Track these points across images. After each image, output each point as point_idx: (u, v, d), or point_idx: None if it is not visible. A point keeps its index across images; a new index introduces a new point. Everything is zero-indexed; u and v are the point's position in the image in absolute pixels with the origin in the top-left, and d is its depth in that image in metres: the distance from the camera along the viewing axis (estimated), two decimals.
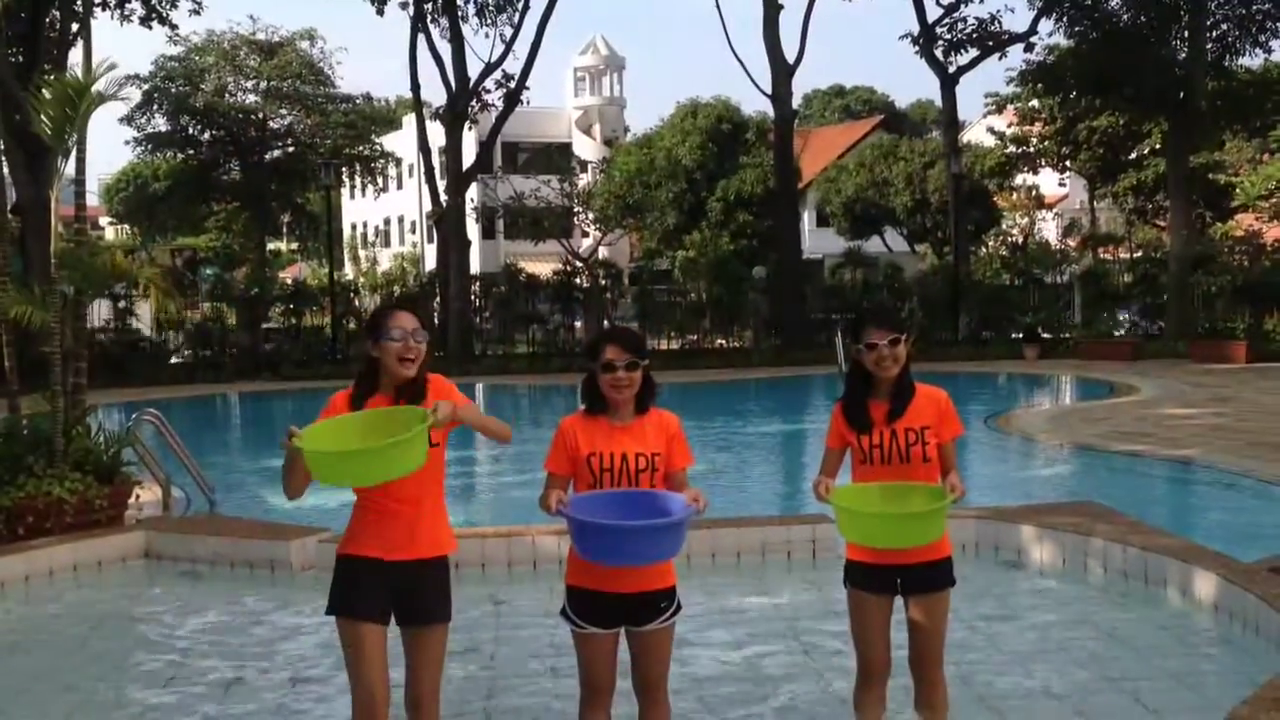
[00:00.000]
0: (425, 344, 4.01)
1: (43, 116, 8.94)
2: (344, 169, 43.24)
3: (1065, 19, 29.98)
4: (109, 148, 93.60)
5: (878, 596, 4.31)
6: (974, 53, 31.05)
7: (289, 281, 33.60)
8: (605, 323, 29.76)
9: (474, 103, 29.67)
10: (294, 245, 62.30)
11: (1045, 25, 30.98)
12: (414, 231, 59.34)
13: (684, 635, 5.98)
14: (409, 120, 43.39)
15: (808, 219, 48.27)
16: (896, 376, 4.29)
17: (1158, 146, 36.38)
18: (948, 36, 30.94)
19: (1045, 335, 28.56)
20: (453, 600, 4.12)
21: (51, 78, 10.28)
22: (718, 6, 35.23)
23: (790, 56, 28.86)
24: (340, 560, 4.06)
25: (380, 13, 29.98)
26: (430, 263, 41.76)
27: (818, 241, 47.90)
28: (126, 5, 28.01)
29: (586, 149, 52.27)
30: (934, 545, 4.23)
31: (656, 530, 3.84)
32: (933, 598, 4.30)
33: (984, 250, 38.36)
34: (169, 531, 8.38)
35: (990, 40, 30.92)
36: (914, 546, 4.14)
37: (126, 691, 5.79)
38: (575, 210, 39.43)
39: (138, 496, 9.57)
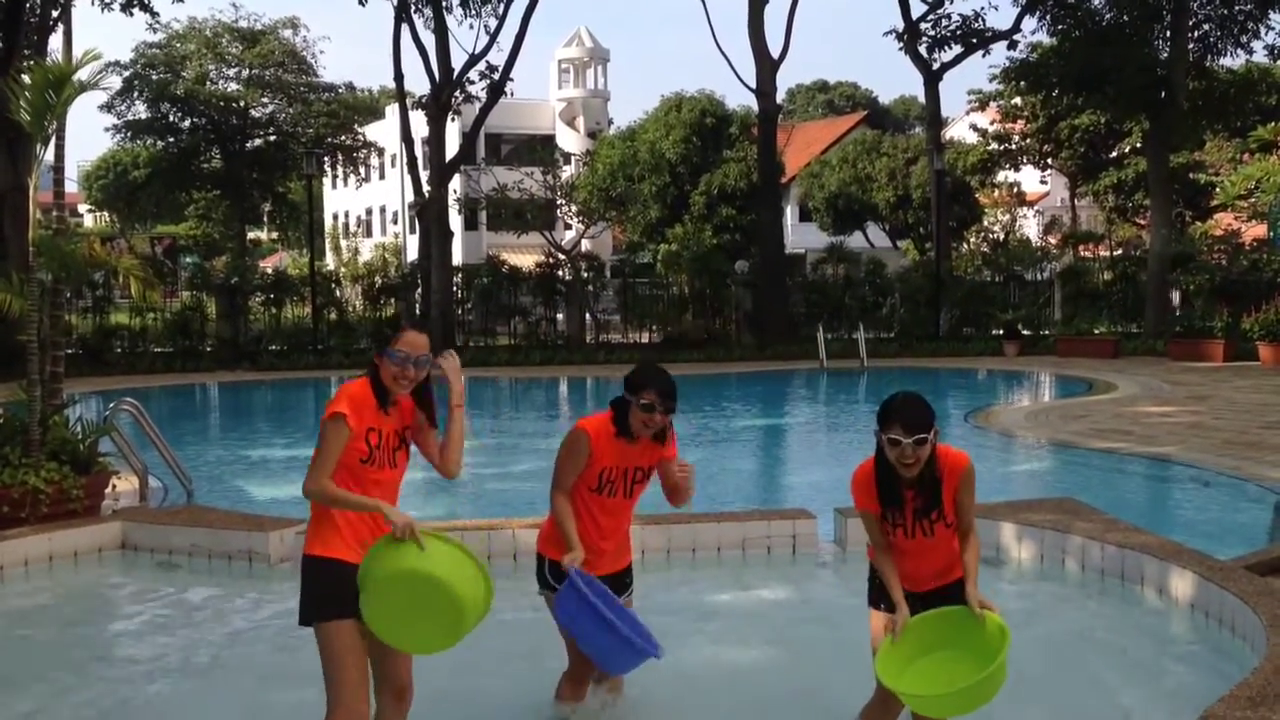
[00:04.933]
0: (427, 369, 4.10)
1: (22, 103, 8.85)
2: (326, 158, 43.06)
3: (1048, 17, 30.06)
4: (89, 134, 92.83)
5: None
6: (958, 50, 31.12)
7: (269, 271, 33.44)
8: (587, 316, 29.74)
9: (458, 94, 29.55)
10: (275, 234, 62.07)
11: (1029, 23, 31.30)
12: (396, 222, 59.13)
13: (663, 630, 5.98)
14: (392, 110, 43.20)
15: (790, 214, 48.34)
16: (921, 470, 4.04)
17: (1138, 145, 36.56)
18: (932, 33, 31.01)
19: (1025, 332, 28.68)
20: None
21: (32, 64, 10.19)
22: (702, 0, 35.16)
23: (775, 51, 28.85)
24: (316, 562, 4.04)
25: (363, 2, 29.84)
26: (412, 253, 41.61)
27: (800, 236, 47.98)
28: None
29: (570, 141, 52.16)
30: (952, 568, 4.16)
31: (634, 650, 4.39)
32: None
33: (965, 246, 38.49)
34: (146, 522, 8.33)
35: (974, 37, 31.00)
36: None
37: (101, 682, 5.75)
38: (558, 202, 39.37)
39: (114, 487, 9.51)
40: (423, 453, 4.30)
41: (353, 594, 3.95)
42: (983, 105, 41.37)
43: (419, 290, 29.51)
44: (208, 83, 42.10)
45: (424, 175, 30.17)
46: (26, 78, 9.09)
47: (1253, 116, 31.80)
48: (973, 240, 39.79)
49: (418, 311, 28.91)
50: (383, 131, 51.61)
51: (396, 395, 4.11)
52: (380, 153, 50.79)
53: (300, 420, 18.30)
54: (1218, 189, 31.75)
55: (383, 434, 4.09)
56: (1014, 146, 41.79)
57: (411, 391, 4.14)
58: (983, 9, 51.84)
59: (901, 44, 30.92)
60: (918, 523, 4.08)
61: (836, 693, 5.05)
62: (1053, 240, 38.76)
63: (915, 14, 30.65)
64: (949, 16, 30.97)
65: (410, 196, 33.72)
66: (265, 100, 43.56)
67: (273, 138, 43.75)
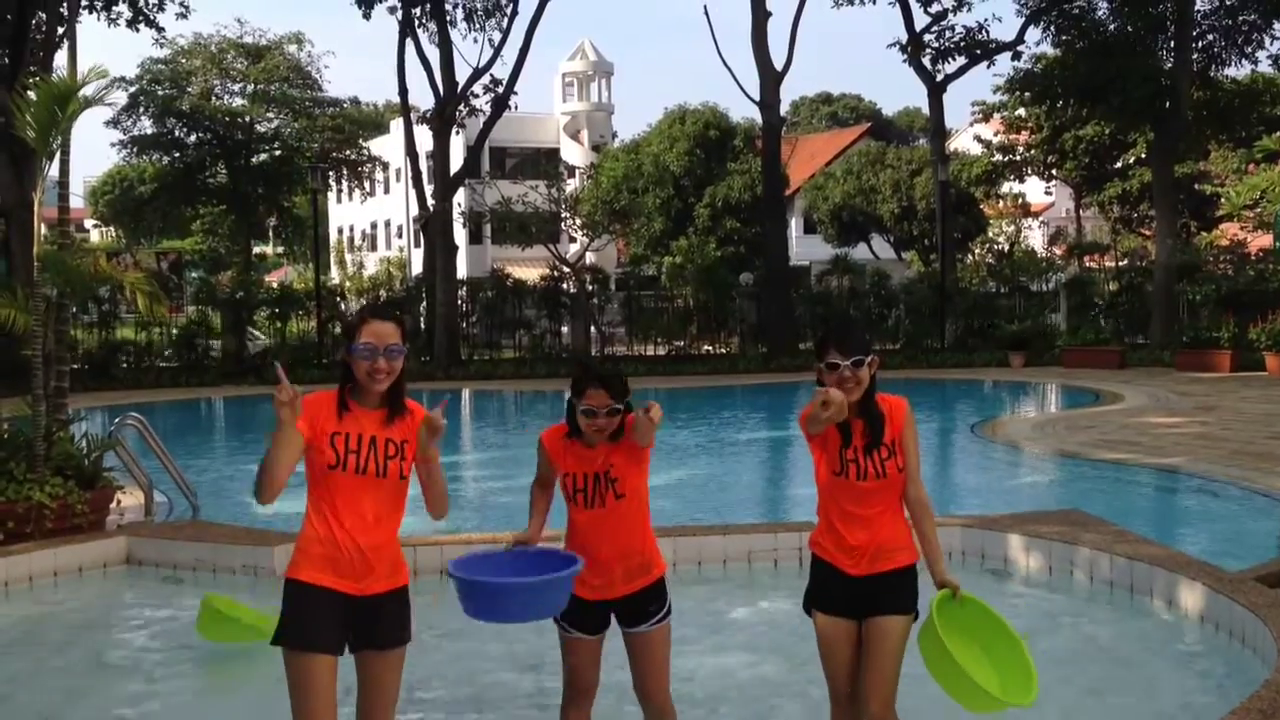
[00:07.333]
0: (401, 358, 3.78)
1: (28, 119, 8.86)
2: (331, 173, 43.17)
3: (1052, 28, 30.11)
4: (95, 150, 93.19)
5: (843, 619, 4.08)
6: (962, 61, 31.15)
7: (275, 285, 33.48)
8: (592, 329, 29.73)
9: (462, 107, 29.60)
10: (280, 249, 62.14)
11: (1033, 34, 31.21)
12: (401, 236, 59.24)
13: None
14: (396, 124, 43.35)
15: (795, 226, 48.33)
16: (861, 398, 4.02)
17: (1143, 156, 36.56)
18: (936, 45, 31.03)
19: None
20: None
21: (38, 80, 10.21)
22: (706, 13, 35.19)
23: (779, 64, 28.89)
24: (285, 584, 3.74)
25: (367, 17, 29.90)
26: (417, 267, 41.67)
27: (805, 248, 47.99)
28: (113, 8, 27.88)
29: (574, 154, 52.30)
30: (899, 553, 4.02)
31: (533, 588, 3.87)
32: (883, 623, 3.97)
33: (970, 258, 38.47)
34: (150, 537, 8.32)
35: (978, 49, 31.02)
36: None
37: (105, 697, 5.73)
38: (562, 216, 39.44)
39: (119, 501, 9.49)
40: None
41: (318, 623, 3.64)
42: (987, 116, 41.40)
43: (424, 304, 29.54)
44: (213, 98, 42.25)
45: (428, 189, 30.21)
46: (32, 93, 9.08)
47: (1257, 127, 31.78)
48: (978, 251, 39.77)
49: (422, 325, 28.93)
50: (387, 146, 51.73)
51: (375, 391, 3.77)
52: (385, 167, 51.00)
53: None
54: (1223, 199, 31.74)
55: (361, 438, 3.74)
56: (1018, 157, 41.80)
57: (388, 390, 3.78)
58: (986, 20, 51.94)
59: (905, 56, 30.96)
60: (869, 459, 4.01)
61: None
62: (1058, 251, 38.79)
63: (919, 26, 30.71)
64: (953, 28, 31.04)
65: (415, 210, 33.77)
66: (270, 115, 43.69)
67: (278, 152, 43.87)
